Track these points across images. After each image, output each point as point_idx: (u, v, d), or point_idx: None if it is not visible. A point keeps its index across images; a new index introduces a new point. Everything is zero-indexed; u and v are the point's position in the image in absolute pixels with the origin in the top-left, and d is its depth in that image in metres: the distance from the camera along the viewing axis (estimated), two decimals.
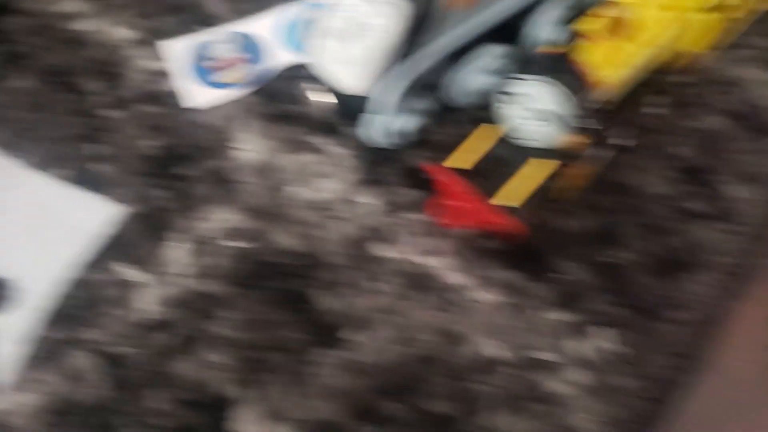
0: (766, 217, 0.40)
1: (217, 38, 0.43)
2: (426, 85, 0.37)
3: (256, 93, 0.42)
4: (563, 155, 0.36)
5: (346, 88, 0.36)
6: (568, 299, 0.37)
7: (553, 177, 0.37)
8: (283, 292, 0.36)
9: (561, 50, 0.33)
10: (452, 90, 0.41)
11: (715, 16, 0.39)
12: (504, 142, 0.38)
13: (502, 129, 0.37)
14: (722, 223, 0.40)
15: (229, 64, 0.42)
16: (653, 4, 0.37)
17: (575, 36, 0.32)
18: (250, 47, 0.43)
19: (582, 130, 0.34)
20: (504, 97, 0.35)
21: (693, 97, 0.44)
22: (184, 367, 0.34)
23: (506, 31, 0.41)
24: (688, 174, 0.41)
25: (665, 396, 0.34)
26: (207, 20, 0.45)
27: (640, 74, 0.37)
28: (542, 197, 0.37)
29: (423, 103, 0.39)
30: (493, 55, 0.40)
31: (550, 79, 0.34)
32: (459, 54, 0.39)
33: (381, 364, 0.34)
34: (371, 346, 0.35)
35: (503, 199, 0.36)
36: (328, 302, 0.36)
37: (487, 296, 0.36)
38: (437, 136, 0.42)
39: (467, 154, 0.37)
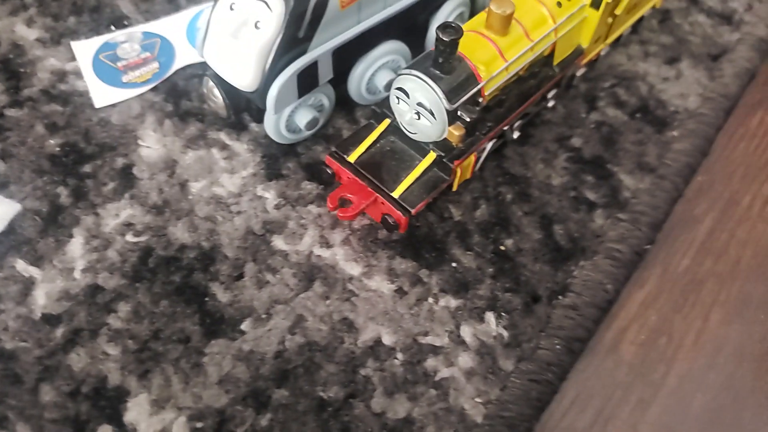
0: (656, 206, 0.42)
1: (125, 38, 0.44)
2: (319, 80, 0.38)
3: (162, 91, 0.43)
4: (451, 147, 0.37)
5: (238, 84, 0.36)
6: (461, 287, 0.38)
7: (443, 169, 0.38)
8: (183, 285, 0.37)
9: (449, 45, 0.34)
10: (353, 87, 0.42)
11: (605, 11, 0.41)
12: (399, 135, 0.39)
13: (396, 123, 0.38)
14: (613, 211, 0.41)
15: (136, 64, 0.43)
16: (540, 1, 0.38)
17: (461, 32, 0.33)
18: (157, 47, 0.44)
19: (468, 122, 0.36)
20: (396, 92, 0.36)
21: (593, 90, 0.46)
22: (80, 360, 0.34)
23: (412, 31, 0.43)
24: (586, 165, 0.43)
25: (549, 377, 0.36)
26: (117, 21, 0.46)
27: (527, 67, 0.39)
28: (434, 188, 0.38)
29: (320, 99, 0.40)
30: (392, 52, 0.41)
31: (437, 73, 0.35)
32: (358, 50, 0.40)
33: (277, 354, 0.35)
34: (268, 336, 0.35)
35: (398, 191, 0.37)
36: (227, 295, 0.36)
37: (384, 286, 0.37)
38: (341, 131, 0.43)
39: (366, 148, 0.38)
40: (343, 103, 0.43)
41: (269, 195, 0.40)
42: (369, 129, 0.39)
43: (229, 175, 0.40)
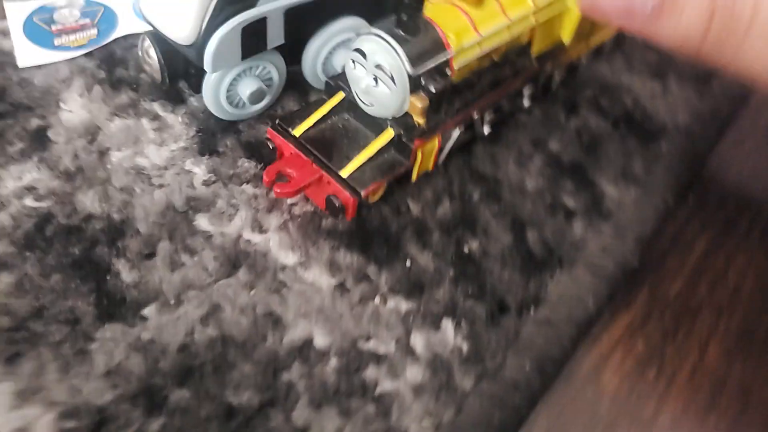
0: (638, 218, 0.37)
1: (66, 3, 0.40)
2: (267, 42, 0.34)
3: (97, 57, 0.38)
4: (412, 126, 0.33)
5: (174, 35, 0.32)
6: (415, 288, 0.32)
7: (401, 150, 0.33)
8: (82, 259, 0.30)
9: (415, 8, 0.30)
10: (308, 65, 0.37)
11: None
12: (354, 113, 0.34)
13: (352, 98, 0.34)
14: (594, 221, 0.36)
15: (72, 29, 0.39)
16: None
17: None
18: (99, 15, 0.40)
19: (433, 93, 0.31)
20: (352, 55, 0.32)
21: (573, 96, 0.42)
22: None
23: (378, 11, 0.39)
24: (565, 171, 0.38)
25: (516, 401, 0.29)
26: None
27: (502, 50, 0.35)
28: (389, 170, 0.33)
29: (268, 70, 0.36)
30: (353, 29, 0.37)
31: (400, 34, 0.31)
32: (315, 19, 0.36)
33: (182, 347, 0.29)
34: (175, 325, 0.29)
35: (347, 170, 0.32)
36: (133, 275, 0.30)
37: (322, 279, 0.31)
38: (287, 107, 0.38)
39: (315, 123, 0.34)
40: (296, 84, 0.39)
41: (199, 170, 0.34)
42: (319, 103, 0.34)
43: (157, 147, 0.35)
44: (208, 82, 0.34)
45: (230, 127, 0.37)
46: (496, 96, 0.36)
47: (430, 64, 0.31)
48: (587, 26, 0.39)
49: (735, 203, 0.40)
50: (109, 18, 0.40)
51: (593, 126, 0.41)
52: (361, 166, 0.32)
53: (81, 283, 0.30)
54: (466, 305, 0.32)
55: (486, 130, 0.38)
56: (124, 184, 0.33)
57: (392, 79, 0.31)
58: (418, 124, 0.33)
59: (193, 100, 0.37)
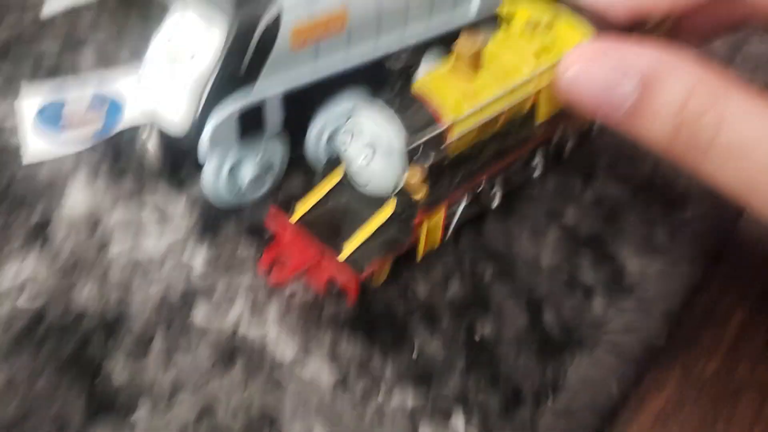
0: (664, 291, 0.34)
1: (73, 95, 0.41)
2: (265, 128, 0.33)
3: (101, 149, 0.38)
4: (412, 203, 0.31)
5: (169, 125, 0.32)
6: (423, 380, 0.30)
7: (402, 226, 0.32)
8: (73, 359, 0.29)
9: (399, 75, 0.29)
10: (310, 147, 0.37)
11: None
12: (355, 193, 0.33)
13: (347, 173, 0.33)
14: (615, 297, 0.34)
15: (79, 123, 0.39)
16: (519, 46, 0.34)
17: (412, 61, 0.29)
18: (105, 106, 0.40)
19: (430, 165, 0.30)
20: (344, 136, 0.31)
21: (588, 164, 0.40)
22: None
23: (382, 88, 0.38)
24: (580, 244, 0.36)
25: None
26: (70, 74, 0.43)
27: (503, 121, 0.34)
28: (391, 249, 0.31)
29: (268, 156, 0.35)
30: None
31: (390, 111, 0.30)
32: (315, 102, 0.35)
33: None
34: (167, 427, 0.27)
35: (347, 251, 0.30)
36: (125, 374, 0.29)
37: (322, 375, 0.30)
38: (296, 196, 0.37)
39: (314, 205, 0.33)
40: (301, 163, 0.38)
41: (197, 261, 0.33)
42: (320, 185, 0.33)
43: (157, 238, 0.34)
44: (207, 171, 0.34)
45: (231, 214, 0.36)
46: (501, 166, 0.35)
47: (423, 137, 0.30)
48: None
49: None
50: (114, 110, 0.40)
51: (611, 194, 0.39)
52: (360, 245, 0.31)
53: (71, 383, 0.29)
54: (478, 396, 0.29)
55: (495, 202, 0.36)
56: (120, 278, 0.33)
57: (384, 154, 0.30)
58: (419, 199, 0.31)
59: (194, 188, 0.37)
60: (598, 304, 0.33)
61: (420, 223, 0.32)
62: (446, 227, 0.34)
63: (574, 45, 0.34)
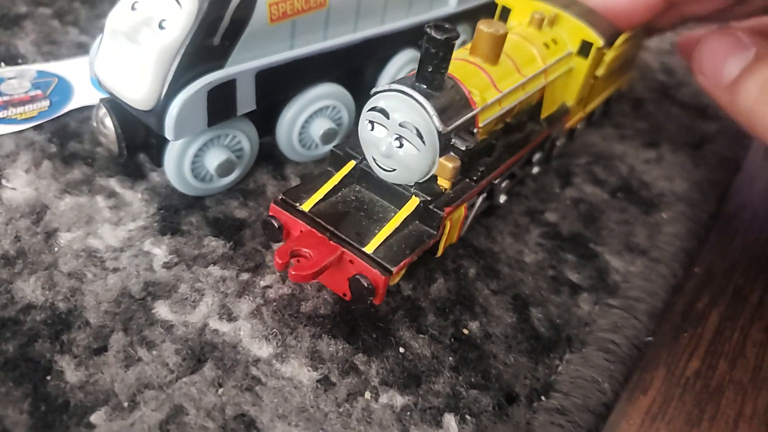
0: (653, 292, 0.33)
1: (15, 75, 0.37)
2: (236, 107, 0.31)
3: (47, 131, 0.35)
4: (438, 193, 0.29)
5: (131, 98, 0.29)
6: (411, 380, 0.28)
7: (427, 220, 0.29)
8: (17, 357, 0.26)
9: (442, 47, 0.27)
10: (282, 134, 0.35)
11: (593, 62, 0.36)
12: (367, 184, 0.30)
13: (364, 166, 0.30)
14: (601, 296, 0.33)
15: (21, 100, 0.35)
16: (532, 36, 0.33)
17: (456, 33, 0.27)
18: (52, 86, 0.36)
19: (464, 152, 0.28)
20: (369, 115, 0.28)
21: (567, 165, 0.40)
22: None
23: (356, 78, 0.36)
24: (565, 243, 0.35)
25: None
26: (10, 59, 0.39)
27: (516, 111, 0.32)
28: (418, 243, 0.29)
29: (238, 139, 0.33)
30: (332, 97, 0.35)
31: (425, 89, 0.27)
32: (289, 83, 0.33)
33: None
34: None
35: (371, 245, 0.27)
36: (79, 374, 0.25)
37: (303, 373, 0.27)
38: (265, 187, 0.35)
39: (324, 196, 0.29)
40: (270, 157, 0.36)
41: (159, 251, 0.30)
42: (326, 176, 0.30)
43: (113, 226, 0.31)
44: (171, 152, 0.31)
45: (195, 203, 0.33)
46: (513, 160, 0.33)
47: (459, 120, 0.28)
48: (587, 88, 0.38)
49: (743, 272, 0.38)
50: (63, 89, 0.36)
51: (590, 195, 0.38)
52: (385, 240, 0.28)
53: (14, 386, 0.25)
54: (469, 396, 0.28)
55: (502, 198, 0.35)
56: (72, 268, 0.29)
57: (420, 138, 0.28)
58: (445, 190, 0.29)
59: (154, 175, 0.34)
60: (584, 302, 0.32)
61: (447, 217, 0.29)
62: (464, 221, 0.32)
63: (578, 40, 0.34)
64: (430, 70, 0.27)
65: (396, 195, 0.30)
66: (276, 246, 0.32)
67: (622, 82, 0.44)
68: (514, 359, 0.29)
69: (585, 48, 0.35)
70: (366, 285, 0.27)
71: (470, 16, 0.41)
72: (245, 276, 0.30)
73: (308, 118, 0.34)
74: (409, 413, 0.27)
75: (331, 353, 0.28)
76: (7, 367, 0.25)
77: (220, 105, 0.30)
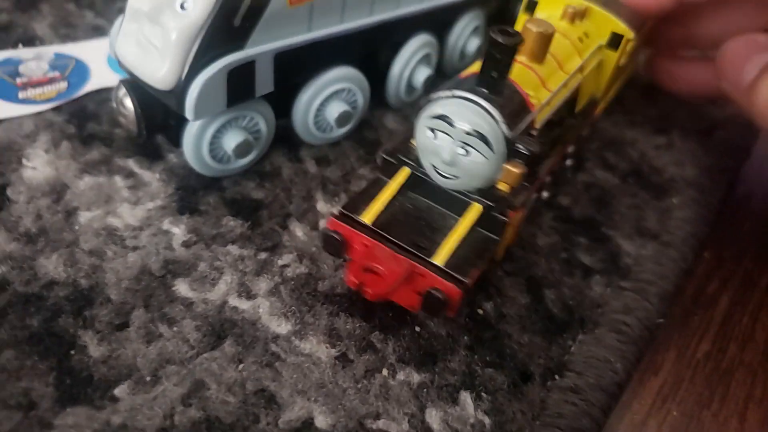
0: (664, 275, 0.34)
1: (34, 56, 0.37)
2: (255, 89, 0.31)
3: (66, 112, 0.35)
4: (498, 198, 0.28)
5: (152, 79, 0.29)
6: (427, 358, 0.28)
7: (489, 225, 0.29)
8: (42, 332, 0.26)
9: (507, 53, 0.26)
10: (299, 116, 0.35)
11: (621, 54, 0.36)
12: (420, 190, 0.30)
13: (418, 173, 0.29)
14: (613, 278, 0.33)
15: (39, 82, 0.36)
16: (569, 31, 0.33)
17: (521, 38, 0.26)
18: (69, 68, 0.37)
19: (528, 157, 0.27)
20: (431, 123, 0.27)
21: (578, 151, 0.40)
22: None
23: (371, 62, 0.37)
24: (577, 226, 0.36)
25: None
26: (28, 41, 0.39)
27: (560, 107, 0.32)
28: (485, 251, 0.28)
29: (255, 120, 0.33)
30: (347, 80, 0.35)
31: (487, 94, 0.27)
32: (306, 66, 0.33)
33: None
34: (152, 406, 0.25)
35: (441, 257, 0.27)
36: (102, 349, 0.26)
37: (321, 350, 0.27)
38: (281, 170, 0.35)
39: (383, 205, 0.29)
40: (286, 139, 0.36)
41: (178, 230, 0.31)
42: (379, 184, 0.29)
43: (132, 206, 0.31)
44: (190, 133, 0.31)
45: (213, 183, 0.33)
46: (559, 157, 0.33)
47: (522, 125, 0.27)
48: (613, 81, 0.38)
49: (753, 258, 0.38)
50: (80, 71, 0.37)
51: (601, 180, 0.39)
52: (455, 250, 0.27)
53: (39, 360, 0.25)
54: (485, 374, 0.28)
55: (545, 193, 0.35)
56: (93, 246, 0.29)
57: (488, 145, 0.27)
58: (506, 195, 0.29)
59: (172, 156, 0.34)
60: (596, 284, 0.33)
61: (513, 219, 0.29)
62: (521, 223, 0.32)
63: (607, 32, 0.34)
64: (494, 75, 0.26)
65: (454, 201, 0.29)
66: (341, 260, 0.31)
67: (631, 69, 0.45)
68: (529, 339, 0.30)
69: (615, 40, 0.35)
70: (442, 299, 0.26)
71: (483, 1, 0.41)
72: (263, 255, 0.31)
73: (324, 100, 0.35)
74: (425, 390, 0.27)
75: (348, 331, 0.28)
76: (33, 341, 0.26)
77: (239, 86, 0.30)
